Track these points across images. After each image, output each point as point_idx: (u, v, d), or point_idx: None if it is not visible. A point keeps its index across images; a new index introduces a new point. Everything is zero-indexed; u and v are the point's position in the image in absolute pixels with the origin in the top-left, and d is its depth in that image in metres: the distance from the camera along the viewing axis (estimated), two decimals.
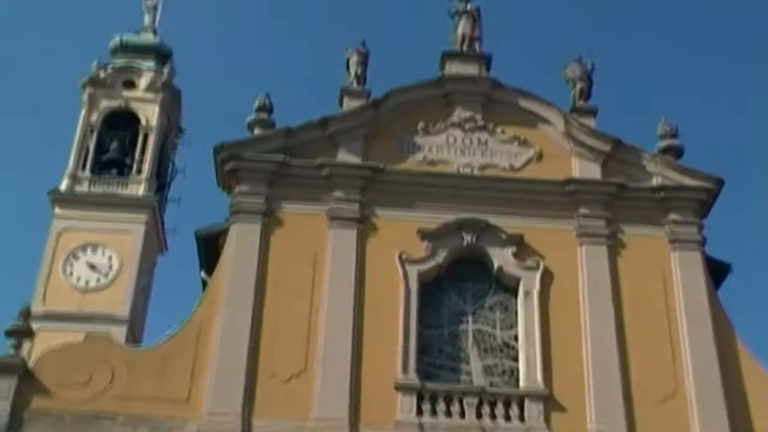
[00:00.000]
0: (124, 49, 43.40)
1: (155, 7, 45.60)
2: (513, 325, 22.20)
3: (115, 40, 43.91)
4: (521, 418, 20.65)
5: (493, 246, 22.72)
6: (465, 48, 25.82)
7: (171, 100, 42.26)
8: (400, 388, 20.73)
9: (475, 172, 23.88)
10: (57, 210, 37.88)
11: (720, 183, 23.58)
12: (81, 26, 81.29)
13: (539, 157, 24.21)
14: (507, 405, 20.76)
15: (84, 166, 39.16)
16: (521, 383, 21.30)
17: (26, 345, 22.04)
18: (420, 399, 20.64)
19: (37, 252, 37.06)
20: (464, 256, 22.82)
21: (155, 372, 20.58)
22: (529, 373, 21.23)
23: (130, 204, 38.24)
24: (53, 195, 38.07)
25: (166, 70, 42.37)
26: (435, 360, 21.73)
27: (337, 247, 22.34)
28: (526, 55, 63.40)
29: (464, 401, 20.68)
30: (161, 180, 41.18)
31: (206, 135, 56.52)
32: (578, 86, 25.19)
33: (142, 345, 31.12)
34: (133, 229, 37.71)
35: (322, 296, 21.66)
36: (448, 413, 20.59)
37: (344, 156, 23.62)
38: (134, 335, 36.22)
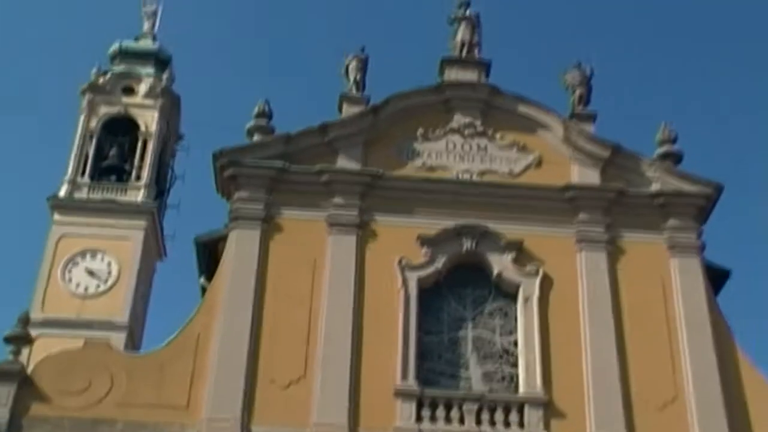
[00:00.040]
0: (124, 55, 43.45)
1: (155, 14, 45.65)
2: (512, 331, 22.19)
3: (115, 46, 43.96)
4: (521, 424, 20.61)
5: (493, 252, 22.71)
6: (464, 54, 25.84)
7: (170, 106, 42.29)
8: (400, 394, 20.71)
9: (475, 178, 23.89)
10: (56, 216, 37.88)
11: (719, 189, 23.59)
12: (80, 32, 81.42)
13: (538, 162, 24.22)
14: (507, 411, 20.73)
15: (83, 172, 39.17)
16: (521, 389, 21.28)
17: (25, 351, 22.05)
18: (420, 405, 20.62)
19: (36, 258, 37.10)
20: (464, 262, 22.82)
21: (154, 378, 20.56)
22: (528, 379, 21.21)
23: (129, 210, 38.25)
24: (52, 201, 38.08)
25: (165, 76, 42.41)
26: (434, 366, 21.71)
27: (336, 253, 22.34)
28: (525, 61, 63.53)
29: (464, 407, 20.64)
30: (160, 186, 41.19)
31: (206, 141, 56.58)
32: (577, 92, 25.21)
33: (141, 351, 31.08)
34: (132, 236, 37.71)
35: (321, 302, 21.65)
36: (448, 419, 20.56)
37: (343, 162, 23.63)
38: (133, 341, 36.19)
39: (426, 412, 20.55)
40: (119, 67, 42.75)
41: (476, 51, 25.99)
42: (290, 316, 21.42)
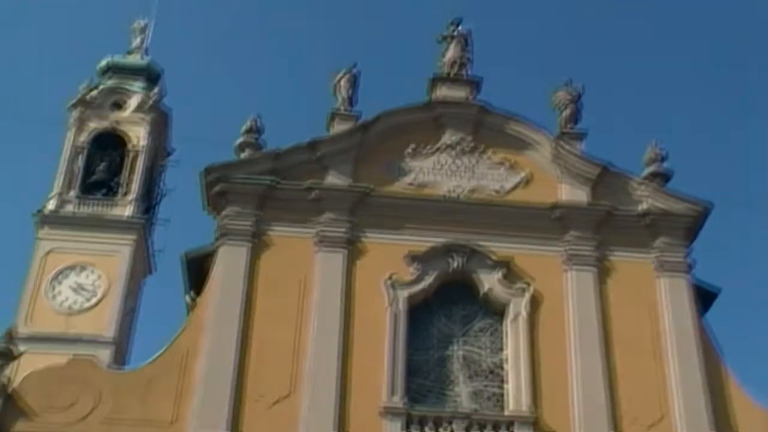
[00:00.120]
0: (114, 70, 43.35)
1: (145, 29, 45.63)
2: (501, 350, 22.16)
3: (105, 61, 43.86)
4: None
5: (482, 270, 22.72)
6: (454, 72, 25.92)
7: (160, 121, 42.17)
8: (388, 411, 20.62)
9: (464, 195, 23.91)
10: (43, 231, 37.63)
11: (707, 208, 23.66)
12: (70, 47, 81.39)
13: (528, 181, 24.28)
14: (495, 429, 20.71)
15: (71, 187, 39.01)
16: (509, 408, 21.23)
17: (10, 367, 21.81)
18: (408, 423, 20.55)
19: (22, 273, 36.86)
20: (452, 280, 22.81)
21: (140, 394, 20.43)
22: (517, 397, 21.17)
23: (117, 225, 38.04)
24: (39, 216, 37.87)
25: (155, 91, 42.34)
26: (423, 384, 21.65)
27: (325, 270, 22.29)
28: (515, 79, 63.67)
29: (452, 426, 20.58)
30: (149, 201, 41.04)
31: (195, 156, 56.47)
32: (567, 111, 25.30)
33: (127, 367, 30.87)
34: (119, 251, 37.50)
35: (309, 319, 21.59)
36: None
37: (333, 179, 23.62)
38: (120, 357, 35.93)
39: (414, 430, 20.46)
40: (109, 82, 42.64)
41: (466, 69, 26.07)
42: (278, 332, 21.34)
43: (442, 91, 25.58)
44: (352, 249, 22.74)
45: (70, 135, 40.45)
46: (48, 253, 36.98)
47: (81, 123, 40.76)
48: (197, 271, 23.09)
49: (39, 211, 37.96)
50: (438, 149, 24.60)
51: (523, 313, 22.14)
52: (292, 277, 22.16)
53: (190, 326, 21.60)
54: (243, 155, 24.02)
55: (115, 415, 20.13)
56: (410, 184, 24.01)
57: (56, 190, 38.71)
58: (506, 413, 21.14)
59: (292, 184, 23.33)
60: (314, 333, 21.40)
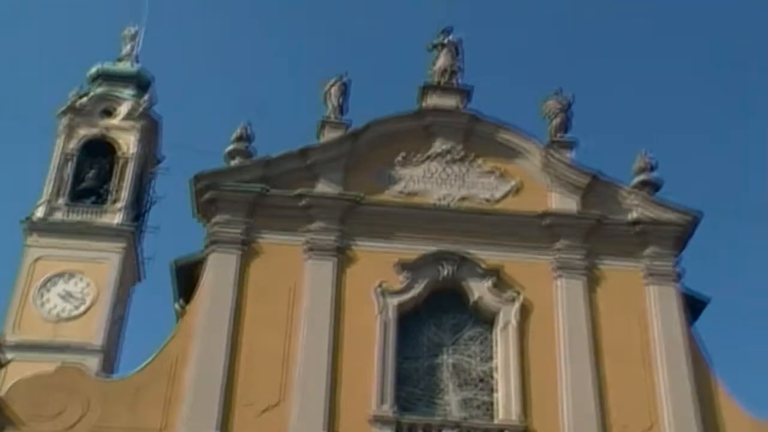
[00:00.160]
0: (104, 77, 43.28)
1: (135, 36, 45.60)
2: (491, 358, 22.16)
3: (95, 68, 43.81)
4: None
5: (472, 278, 22.72)
6: (445, 80, 25.96)
7: (150, 128, 42.10)
8: (377, 420, 20.59)
9: (454, 204, 23.92)
10: (31, 238, 37.50)
11: (697, 217, 23.74)
12: (60, 54, 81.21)
13: (518, 189, 24.31)
14: None
15: (60, 194, 38.89)
16: (499, 416, 21.21)
17: None
18: (398, 431, 20.49)
19: (10, 280, 36.71)
20: (442, 288, 22.81)
21: (129, 402, 20.34)
22: (506, 406, 21.16)
23: (106, 233, 37.94)
24: (28, 223, 37.74)
25: (145, 98, 42.29)
26: (412, 392, 21.62)
27: (314, 278, 22.26)
28: (505, 87, 63.87)
29: None
30: (139, 209, 40.95)
31: (185, 164, 56.37)
32: (557, 119, 25.36)
33: (116, 375, 30.74)
34: (108, 258, 37.40)
35: (299, 327, 21.55)
36: None
37: (323, 187, 23.61)
38: (109, 365, 35.80)
39: None
40: (99, 90, 42.57)
41: (457, 77, 26.11)
42: (267, 340, 21.29)
43: (433, 100, 25.62)
44: (342, 257, 22.72)
45: (60, 142, 40.36)
46: (36, 260, 36.86)
47: (71, 130, 40.69)
48: (187, 279, 23.03)
49: (27, 218, 37.84)
50: (428, 158, 24.62)
51: (513, 322, 22.14)
52: (281, 285, 22.12)
53: (179, 334, 21.54)
54: (233, 163, 23.99)
55: (104, 424, 20.03)
56: (400, 192, 24.01)
57: (45, 197, 38.61)
58: (496, 422, 21.13)
59: (282, 192, 23.30)
60: (304, 341, 21.36)
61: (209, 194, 23.00)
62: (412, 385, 21.71)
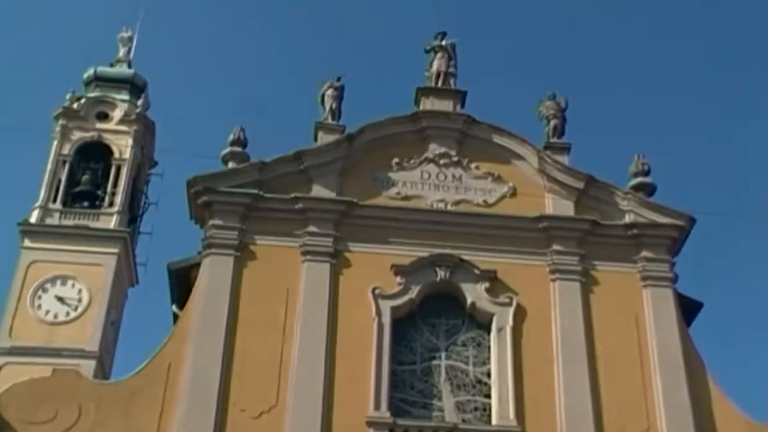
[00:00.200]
0: (99, 80, 43.31)
1: (130, 40, 45.58)
2: (486, 362, 22.14)
3: (89, 71, 43.81)
4: None
5: (467, 282, 22.70)
6: (440, 84, 25.96)
7: (145, 132, 42.10)
8: (372, 424, 20.55)
9: (449, 207, 23.92)
10: (26, 242, 37.47)
11: (692, 220, 23.76)
12: (55, 57, 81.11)
13: (513, 193, 24.31)
14: None
15: (55, 198, 38.84)
16: (494, 420, 21.19)
17: None
18: None
19: (4, 284, 36.64)
20: (437, 292, 22.78)
21: (124, 407, 20.27)
22: (501, 410, 21.13)
23: (101, 236, 37.92)
24: (23, 226, 37.69)
25: (140, 102, 42.29)
26: (407, 396, 21.59)
27: (310, 282, 22.22)
28: (500, 91, 63.95)
29: None
30: (134, 212, 40.92)
31: (180, 167, 56.20)
32: (552, 123, 25.40)
33: (111, 379, 30.69)
34: (103, 262, 37.37)
35: (294, 331, 21.51)
36: None
37: (318, 190, 23.58)
38: (103, 369, 35.76)
39: None
40: (94, 93, 42.59)
41: (452, 81, 26.12)
42: (263, 344, 21.24)
43: (428, 103, 25.62)
44: (338, 260, 22.68)
45: (55, 145, 40.33)
46: (31, 264, 36.83)
47: (65, 133, 40.69)
48: (182, 283, 22.99)
49: (23, 222, 37.78)
50: (423, 161, 24.61)
51: (508, 325, 22.11)
52: (277, 289, 22.09)
53: (174, 337, 21.47)
54: (228, 166, 23.95)
55: (98, 428, 19.94)
56: (395, 196, 23.99)
57: (40, 200, 38.56)
58: (491, 425, 21.11)
59: (278, 195, 23.27)
60: (299, 344, 21.32)
61: (204, 198, 22.97)
62: (407, 388, 21.68)
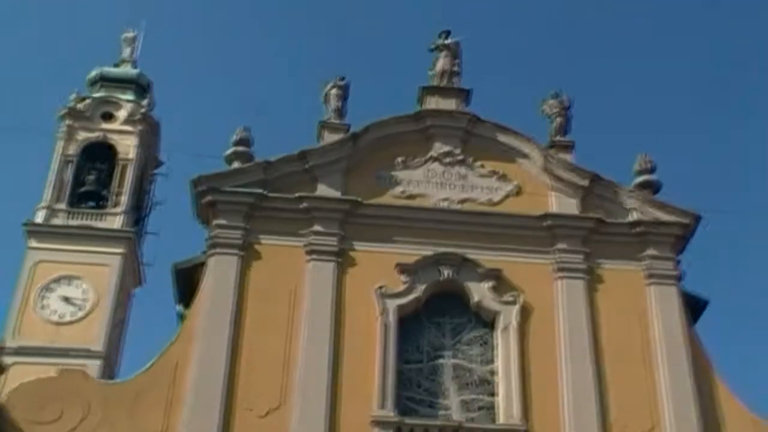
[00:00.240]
0: (103, 81, 43.34)
1: (135, 40, 45.62)
2: (491, 360, 22.13)
3: (94, 72, 43.85)
4: None
5: (472, 280, 22.69)
6: (444, 82, 25.94)
7: (150, 132, 42.14)
8: (378, 423, 20.56)
9: (454, 206, 23.91)
10: (32, 242, 37.53)
11: (697, 218, 23.72)
12: (60, 58, 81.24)
13: (518, 191, 24.30)
14: None
15: (61, 198, 38.90)
16: (499, 419, 21.20)
17: None
18: None
19: (11, 284, 36.70)
20: (442, 290, 22.78)
21: (130, 406, 20.32)
22: (507, 408, 21.13)
23: (107, 237, 37.96)
24: (29, 227, 37.75)
25: (145, 102, 42.33)
26: (413, 395, 21.60)
27: (315, 281, 22.24)
28: (505, 89, 63.83)
29: None
30: (139, 212, 40.94)
31: (185, 167, 56.29)
32: (556, 121, 25.37)
33: (117, 379, 30.73)
34: (109, 262, 37.41)
35: (299, 330, 21.53)
36: None
37: (323, 189, 23.59)
38: (110, 369, 35.79)
39: None
40: (99, 93, 42.63)
41: (456, 79, 26.10)
42: (268, 343, 21.27)
43: (433, 102, 25.60)
44: (343, 259, 22.69)
45: (60, 145, 40.38)
46: (37, 264, 36.87)
47: (71, 133, 40.72)
48: (187, 283, 23.02)
49: (28, 222, 37.85)
50: (428, 159, 24.61)
51: (514, 323, 22.12)
52: (282, 288, 22.11)
53: (180, 337, 21.51)
54: (233, 166, 23.97)
55: (104, 428, 19.99)
56: (400, 194, 24.00)
57: (45, 200, 38.62)
58: (497, 424, 21.11)
59: (282, 195, 23.29)
60: (305, 343, 21.34)
61: (209, 197, 22.99)
62: (412, 387, 21.68)
